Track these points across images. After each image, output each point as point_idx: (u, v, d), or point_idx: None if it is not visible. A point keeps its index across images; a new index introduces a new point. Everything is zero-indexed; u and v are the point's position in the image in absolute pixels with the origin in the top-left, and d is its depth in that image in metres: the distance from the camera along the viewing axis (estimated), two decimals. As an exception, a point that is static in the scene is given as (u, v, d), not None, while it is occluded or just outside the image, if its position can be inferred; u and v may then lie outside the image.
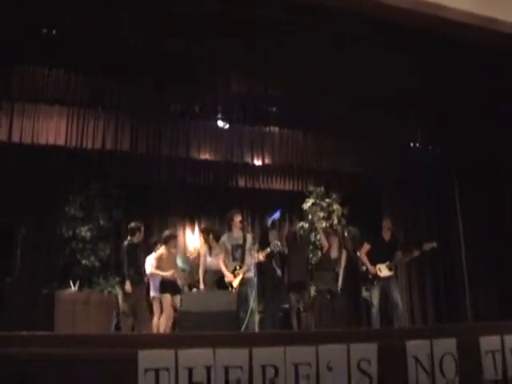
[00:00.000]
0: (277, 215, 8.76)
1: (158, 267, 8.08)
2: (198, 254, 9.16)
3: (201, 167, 11.22)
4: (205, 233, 9.25)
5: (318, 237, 10.56)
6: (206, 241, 9.01)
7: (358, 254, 8.98)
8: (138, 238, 8.31)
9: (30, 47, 7.61)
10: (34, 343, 3.80)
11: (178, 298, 8.13)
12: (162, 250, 8.19)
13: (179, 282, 8.51)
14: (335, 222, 11.44)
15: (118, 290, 8.73)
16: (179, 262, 9.09)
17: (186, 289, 8.85)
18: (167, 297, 8.04)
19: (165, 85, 8.75)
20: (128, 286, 7.97)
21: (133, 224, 8.41)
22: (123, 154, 9.84)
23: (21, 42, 7.44)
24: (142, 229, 8.43)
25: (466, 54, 7.56)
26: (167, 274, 7.99)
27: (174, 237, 8.36)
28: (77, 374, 3.60)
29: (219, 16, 6.90)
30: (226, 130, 10.01)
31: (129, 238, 8.31)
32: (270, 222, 9.23)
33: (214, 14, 6.87)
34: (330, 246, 9.21)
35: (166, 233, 8.42)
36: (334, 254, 9.18)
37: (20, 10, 6.63)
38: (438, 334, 4.76)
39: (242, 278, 7.49)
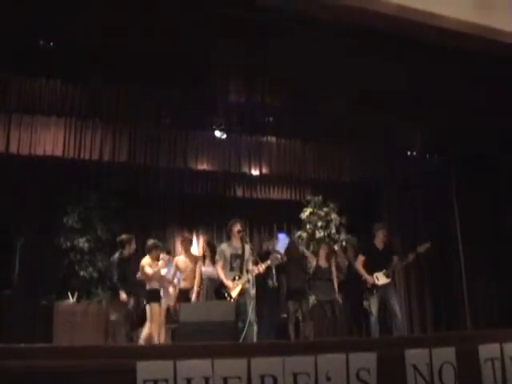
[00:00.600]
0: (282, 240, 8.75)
1: (142, 275, 8.20)
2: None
3: (198, 177, 11.25)
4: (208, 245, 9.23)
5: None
6: (206, 252, 8.99)
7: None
8: (128, 250, 8.26)
9: (28, 58, 7.64)
10: (33, 355, 3.79)
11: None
12: (146, 259, 8.22)
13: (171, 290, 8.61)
14: (333, 231, 11.45)
15: (106, 301, 8.64)
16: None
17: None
18: (155, 306, 8.08)
19: (162, 95, 8.78)
20: (123, 296, 7.94)
21: (123, 236, 8.36)
22: (121, 165, 9.87)
23: (18, 54, 7.47)
24: (133, 241, 8.38)
25: (463, 62, 7.60)
26: (155, 269, 8.08)
27: (155, 247, 8.33)
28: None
29: (218, 25, 6.93)
30: (223, 139, 10.03)
31: (120, 250, 8.26)
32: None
33: (212, 22, 6.90)
34: (318, 257, 9.21)
35: (148, 243, 8.42)
36: (322, 263, 9.18)
37: (17, 22, 6.66)
38: (437, 343, 4.75)
39: (242, 289, 7.46)
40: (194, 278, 8.64)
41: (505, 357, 4.87)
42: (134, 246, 8.37)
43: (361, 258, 8.60)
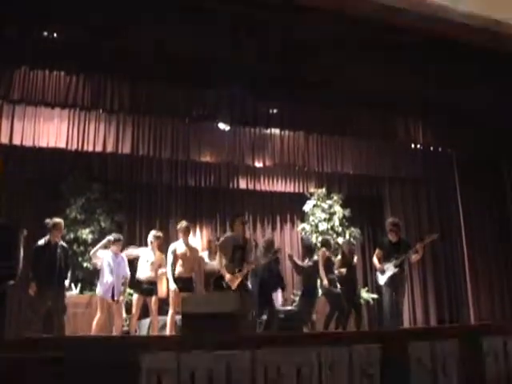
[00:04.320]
0: None
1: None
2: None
3: (202, 169, 11.25)
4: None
5: (320, 238, 10.56)
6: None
7: (355, 259, 9.20)
8: (55, 235, 7.88)
9: (31, 50, 7.62)
10: (36, 346, 3.80)
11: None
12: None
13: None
14: (336, 223, 11.45)
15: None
16: None
17: None
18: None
19: (165, 87, 8.75)
20: (33, 288, 7.56)
21: (50, 221, 7.95)
22: (124, 157, 9.89)
23: (22, 45, 7.46)
24: (59, 226, 7.97)
25: (469, 54, 7.58)
26: None
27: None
28: (79, 377, 3.60)
29: (220, 17, 6.92)
30: (226, 131, 10.00)
31: (47, 236, 7.87)
32: None
33: (214, 14, 6.89)
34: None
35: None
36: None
37: (21, 14, 6.65)
38: (440, 336, 4.76)
39: (241, 281, 7.47)
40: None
41: (508, 350, 4.88)
42: (59, 233, 7.99)
43: (377, 252, 8.83)
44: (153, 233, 8.61)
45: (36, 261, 7.71)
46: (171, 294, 8.13)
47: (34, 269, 7.66)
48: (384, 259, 8.58)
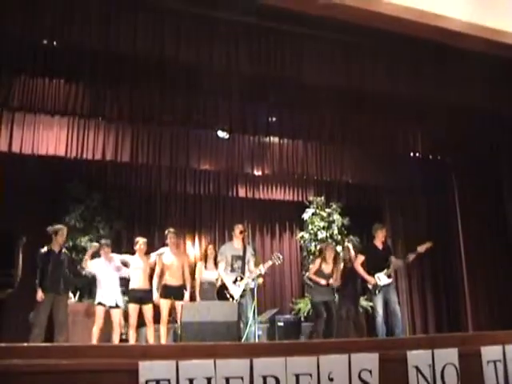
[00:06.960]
0: None
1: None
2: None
3: (201, 177, 11.25)
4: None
5: (318, 247, 10.56)
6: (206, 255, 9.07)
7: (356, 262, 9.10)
8: (56, 243, 8.00)
9: (31, 58, 7.64)
10: (34, 354, 3.79)
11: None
12: None
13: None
14: (335, 231, 11.46)
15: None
16: None
17: None
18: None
19: (165, 95, 8.76)
20: (39, 294, 7.62)
21: (52, 227, 8.08)
22: (123, 165, 9.89)
23: (21, 53, 7.47)
24: (62, 232, 8.09)
25: (467, 63, 7.61)
26: None
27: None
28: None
29: (220, 24, 6.95)
30: (226, 140, 10.01)
31: (50, 244, 8.00)
32: None
33: (215, 22, 6.91)
34: (323, 259, 9.13)
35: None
36: (325, 267, 9.09)
37: (21, 21, 6.66)
38: (439, 344, 4.74)
39: (244, 290, 7.47)
40: None
41: (507, 359, 4.86)
42: (61, 239, 8.10)
43: (360, 258, 8.62)
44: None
45: (40, 268, 7.76)
46: (160, 303, 8.14)
47: (40, 275, 7.71)
48: (371, 267, 8.45)
